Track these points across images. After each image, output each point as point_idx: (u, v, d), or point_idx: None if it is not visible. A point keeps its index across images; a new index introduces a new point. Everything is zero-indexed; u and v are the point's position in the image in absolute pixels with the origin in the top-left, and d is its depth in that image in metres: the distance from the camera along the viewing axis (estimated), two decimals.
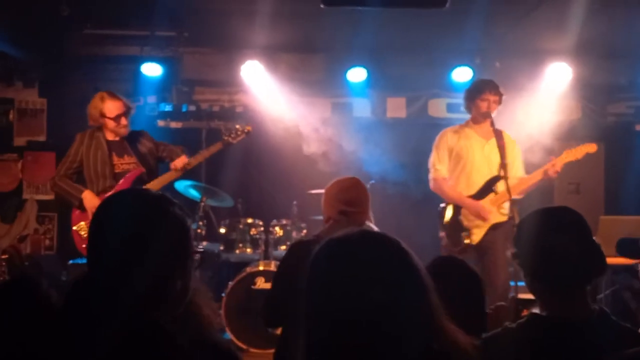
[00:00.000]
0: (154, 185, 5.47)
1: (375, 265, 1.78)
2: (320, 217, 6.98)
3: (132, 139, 5.65)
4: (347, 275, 1.76)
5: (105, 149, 5.47)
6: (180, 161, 5.57)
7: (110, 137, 5.55)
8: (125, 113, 5.53)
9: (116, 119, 5.48)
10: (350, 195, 3.60)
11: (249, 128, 5.87)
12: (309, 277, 1.83)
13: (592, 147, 5.56)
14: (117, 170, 5.48)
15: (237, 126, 5.84)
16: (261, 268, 6.33)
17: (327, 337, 1.75)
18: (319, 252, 1.83)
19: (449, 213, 5.55)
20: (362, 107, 8.56)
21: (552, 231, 2.30)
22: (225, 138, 5.78)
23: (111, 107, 5.48)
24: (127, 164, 5.53)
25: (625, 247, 4.58)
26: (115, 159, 5.50)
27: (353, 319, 1.72)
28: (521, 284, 5.47)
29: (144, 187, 5.35)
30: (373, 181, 7.32)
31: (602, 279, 6.39)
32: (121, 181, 5.43)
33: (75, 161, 5.50)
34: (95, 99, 5.54)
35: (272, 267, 6.34)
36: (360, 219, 3.59)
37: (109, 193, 5.05)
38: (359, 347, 1.72)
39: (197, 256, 1.96)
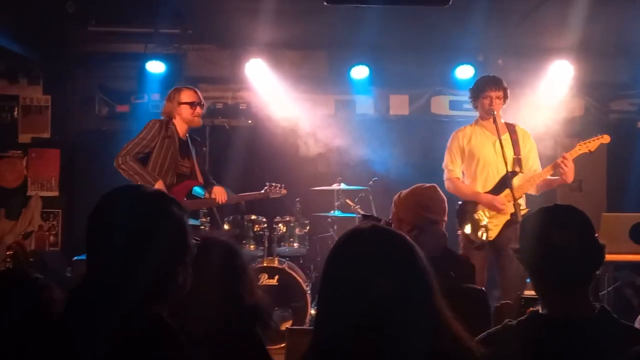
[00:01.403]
0: (189, 204, 5.55)
1: (383, 260, 1.81)
2: (323, 214, 7.07)
3: (194, 143, 5.80)
4: (357, 271, 1.80)
5: (177, 145, 5.55)
6: (223, 198, 5.77)
7: (181, 133, 5.62)
8: (201, 104, 5.66)
9: (192, 105, 5.58)
10: (436, 204, 3.61)
11: (285, 191, 6.24)
12: (322, 272, 1.88)
13: (605, 139, 5.53)
14: (178, 171, 5.56)
15: (279, 185, 6.21)
16: (265, 265, 6.35)
17: (336, 332, 1.78)
18: (332, 249, 1.88)
19: (465, 210, 5.54)
20: (365, 105, 8.57)
21: (555, 229, 2.30)
22: (267, 190, 6.20)
23: (188, 94, 5.62)
24: (185, 167, 5.62)
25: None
26: (179, 159, 5.58)
27: (361, 315, 1.75)
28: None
29: (191, 200, 5.61)
30: (376, 178, 7.34)
31: (604, 276, 6.43)
32: (180, 185, 5.54)
33: (149, 147, 5.50)
34: (171, 92, 5.69)
35: (276, 263, 6.36)
36: (443, 225, 3.63)
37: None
38: (366, 343, 1.75)
39: (195, 250, 1.98)
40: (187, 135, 5.73)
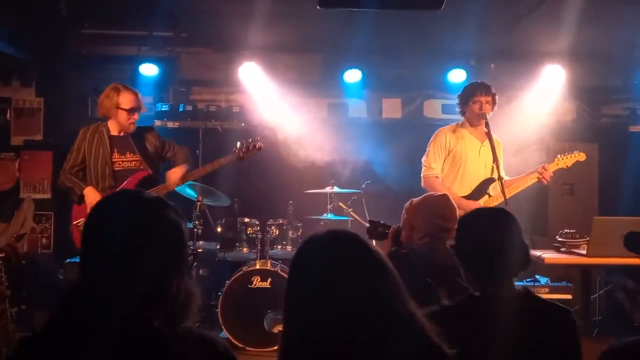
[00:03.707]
0: (157, 190, 5.36)
1: (341, 264, 1.85)
2: (316, 217, 7.08)
3: (138, 135, 5.54)
4: (316, 276, 1.85)
5: (107, 146, 5.37)
6: (175, 176, 5.49)
7: (114, 131, 5.44)
8: (138, 109, 5.44)
9: (131, 111, 5.38)
10: (448, 213, 3.64)
11: (261, 145, 5.72)
12: (287, 278, 1.92)
13: (581, 156, 5.78)
14: (116, 168, 5.39)
15: (250, 140, 5.71)
16: (258, 267, 6.36)
17: (302, 336, 1.81)
18: (294, 255, 1.94)
19: None
20: (358, 108, 8.60)
21: (487, 228, 2.68)
22: (236, 151, 5.65)
23: (128, 99, 5.38)
24: (129, 162, 5.43)
25: (634, 241, 4.63)
26: (116, 156, 5.40)
27: (324, 319, 1.78)
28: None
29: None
30: (369, 181, 7.36)
31: (595, 279, 6.46)
32: (125, 182, 5.34)
33: (79, 158, 5.41)
34: (110, 90, 5.43)
35: (269, 266, 6.37)
36: (454, 233, 3.66)
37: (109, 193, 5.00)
38: (333, 348, 1.77)
39: (191, 257, 1.96)
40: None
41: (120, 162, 5.44)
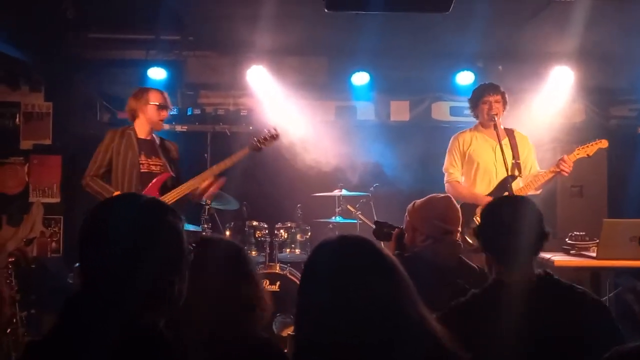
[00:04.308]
0: (178, 192, 5.40)
1: (352, 269, 1.86)
2: (324, 220, 7.07)
3: (163, 143, 5.66)
4: (328, 282, 1.86)
5: (136, 148, 5.41)
6: (206, 185, 5.52)
7: (141, 134, 5.50)
8: (167, 107, 5.57)
9: (160, 107, 5.48)
10: (450, 215, 3.64)
11: (277, 133, 5.76)
12: (299, 284, 1.93)
13: (603, 143, 5.72)
14: (143, 170, 5.41)
15: (266, 130, 5.76)
16: (267, 271, 6.36)
17: (314, 342, 1.81)
18: (306, 261, 1.95)
19: (463, 213, 5.58)
20: (366, 111, 8.59)
21: (506, 213, 2.82)
22: (254, 143, 5.68)
23: (157, 96, 5.50)
24: (155, 165, 5.48)
25: None
26: (143, 159, 5.44)
27: (337, 324, 1.78)
28: None
29: (168, 194, 5.36)
30: (377, 184, 7.35)
31: (605, 281, 6.43)
32: (149, 185, 5.38)
33: (106, 159, 5.42)
34: (137, 91, 5.55)
35: (277, 269, 6.36)
36: (457, 235, 3.66)
37: None
38: (345, 353, 1.77)
39: (191, 257, 1.97)
40: (155, 136, 5.63)
41: (147, 165, 5.48)
